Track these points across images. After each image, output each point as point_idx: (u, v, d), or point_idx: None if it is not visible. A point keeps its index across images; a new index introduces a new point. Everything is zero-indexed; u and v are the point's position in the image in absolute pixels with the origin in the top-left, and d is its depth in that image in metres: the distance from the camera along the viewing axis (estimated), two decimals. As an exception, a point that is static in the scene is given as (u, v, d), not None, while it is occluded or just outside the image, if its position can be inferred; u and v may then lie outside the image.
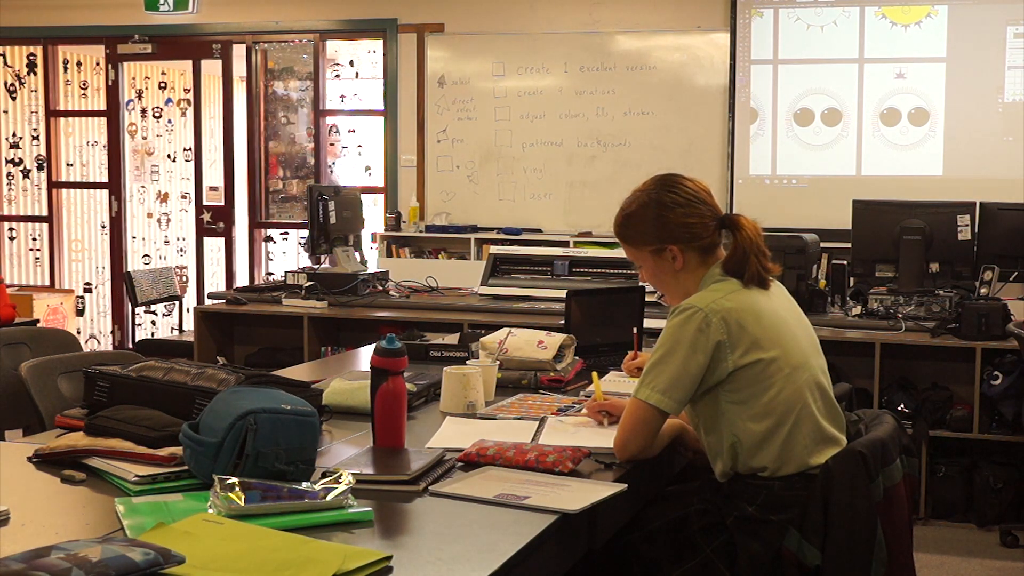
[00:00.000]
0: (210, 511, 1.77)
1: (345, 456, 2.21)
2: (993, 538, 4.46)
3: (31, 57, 8.58)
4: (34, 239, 8.79)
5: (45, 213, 8.63)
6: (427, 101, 7.68)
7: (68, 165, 8.69)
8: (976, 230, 4.85)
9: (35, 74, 8.57)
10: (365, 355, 3.58)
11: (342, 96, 8.20)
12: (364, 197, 6.13)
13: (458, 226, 7.53)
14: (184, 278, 8.65)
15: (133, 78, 8.57)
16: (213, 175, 8.39)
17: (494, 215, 7.59)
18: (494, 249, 5.73)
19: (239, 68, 8.17)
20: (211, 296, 6.97)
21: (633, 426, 2.21)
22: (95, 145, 8.71)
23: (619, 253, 4.95)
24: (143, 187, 8.74)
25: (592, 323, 3.45)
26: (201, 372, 2.34)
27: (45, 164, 8.60)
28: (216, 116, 8.46)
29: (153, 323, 8.85)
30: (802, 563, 2.10)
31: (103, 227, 8.61)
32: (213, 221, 8.22)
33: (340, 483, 1.84)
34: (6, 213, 8.78)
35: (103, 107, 8.49)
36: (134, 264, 8.60)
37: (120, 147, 8.42)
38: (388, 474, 2.03)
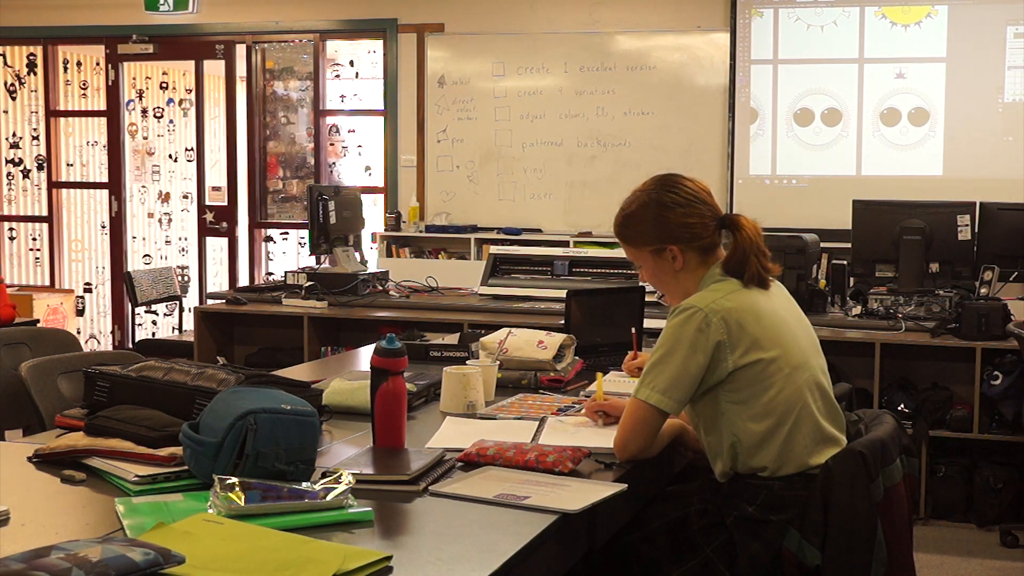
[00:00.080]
0: (210, 511, 1.77)
1: (345, 456, 2.21)
2: (993, 538, 4.46)
3: (31, 57, 8.58)
4: (34, 239, 8.80)
5: (45, 213, 8.64)
6: (427, 101, 7.68)
7: (68, 165, 8.69)
8: (976, 230, 4.85)
9: (35, 74, 8.57)
10: (365, 355, 3.58)
11: (342, 96, 8.20)
12: (364, 197, 6.13)
13: (458, 226, 7.54)
14: (186, 278, 8.65)
15: (134, 78, 8.58)
16: (215, 175, 8.40)
17: (494, 215, 7.59)
18: (494, 249, 5.73)
19: (239, 68, 8.17)
20: (211, 296, 6.97)
21: (633, 426, 2.22)
22: (95, 145, 8.71)
23: (619, 253, 4.95)
24: (144, 187, 8.74)
25: (592, 323, 3.45)
26: (201, 372, 2.34)
27: (45, 164, 8.60)
28: (218, 116, 8.46)
29: (154, 323, 8.85)
30: (802, 563, 2.10)
31: (103, 227, 8.61)
32: (216, 221, 8.22)
33: (340, 483, 1.84)
34: (6, 213, 8.78)
35: (103, 107, 8.49)
36: (134, 264, 8.60)
37: (120, 147, 8.42)
38: (388, 474, 2.03)
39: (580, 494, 1.96)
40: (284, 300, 5.27)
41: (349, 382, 2.73)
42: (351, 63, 8.17)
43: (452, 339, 3.74)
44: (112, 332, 8.49)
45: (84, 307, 8.80)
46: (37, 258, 8.81)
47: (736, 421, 2.21)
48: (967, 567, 4.16)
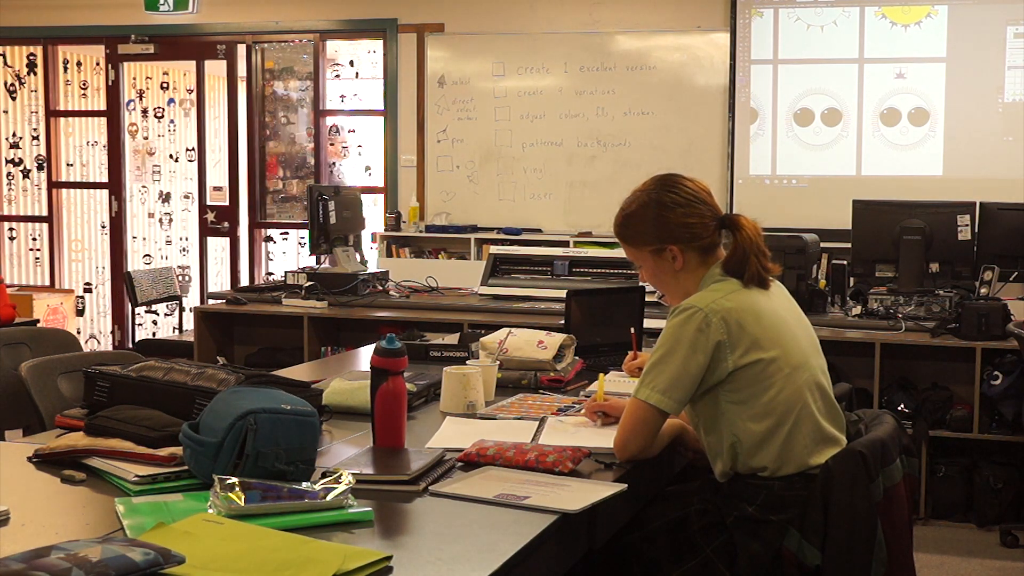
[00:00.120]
0: (210, 511, 1.77)
1: (345, 456, 2.21)
2: (993, 538, 4.46)
3: (31, 57, 8.58)
4: (34, 239, 8.80)
5: (45, 213, 8.64)
6: (427, 101, 7.69)
7: (68, 165, 8.69)
8: (976, 230, 4.85)
9: (35, 74, 8.57)
10: (365, 355, 3.58)
11: (342, 96, 8.20)
12: (364, 197, 6.13)
13: (458, 226, 7.54)
14: (187, 278, 8.65)
15: (134, 78, 8.57)
16: (216, 175, 8.39)
17: (494, 215, 7.59)
18: (494, 249, 5.73)
19: (239, 68, 8.17)
20: (211, 296, 6.97)
21: (633, 426, 2.22)
22: (95, 145, 8.71)
23: (619, 253, 4.95)
24: (144, 187, 8.74)
25: (592, 323, 3.45)
26: (201, 372, 2.34)
27: (45, 164, 8.60)
28: (220, 116, 8.46)
29: (154, 323, 8.85)
30: (802, 563, 2.10)
31: (103, 227, 8.61)
32: (218, 221, 8.22)
33: (340, 483, 1.84)
34: (6, 213, 8.78)
35: (103, 107, 8.49)
36: (135, 264, 8.60)
37: (120, 147, 8.42)
38: (388, 474, 2.03)
39: (580, 494, 1.96)
40: (284, 300, 5.27)
41: (349, 382, 2.73)
42: (351, 63, 8.17)
43: (452, 339, 3.74)
44: (112, 332, 8.50)
45: (84, 307, 8.80)
46: (37, 258, 8.81)
47: (736, 421, 2.21)
48: (967, 567, 4.16)
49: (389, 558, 1.60)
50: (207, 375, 2.33)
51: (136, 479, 1.98)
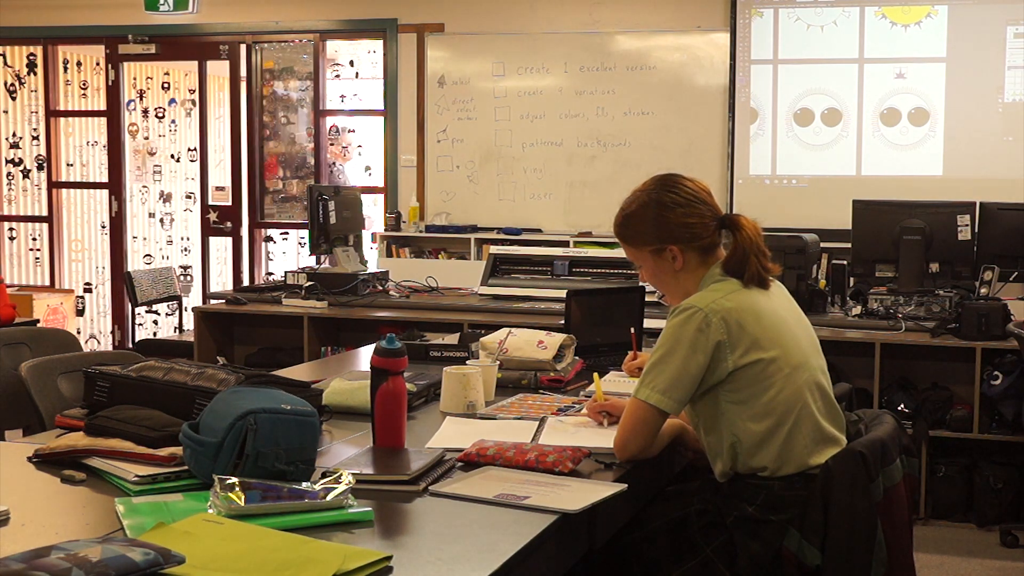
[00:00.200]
0: (210, 511, 1.77)
1: (345, 456, 2.21)
2: (993, 538, 4.46)
3: (31, 57, 8.58)
4: (34, 239, 8.80)
5: (45, 213, 8.64)
6: (427, 101, 7.69)
7: (68, 165, 8.69)
8: (976, 230, 4.85)
9: (35, 74, 8.57)
10: (365, 355, 3.58)
11: (342, 96, 8.20)
12: (364, 197, 6.13)
13: (458, 226, 7.54)
14: (189, 278, 8.65)
15: (134, 78, 8.57)
16: (218, 175, 8.39)
17: (494, 215, 7.59)
18: (494, 249, 5.73)
19: (241, 68, 8.16)
20: (212, 296, 6.97)
21: (633, 426, 2.22)
22: (95, 145, 8.71)
23: (619, 253, 4.95)
24: (144, 187, 8.74)
25: (592, 323, 3.45)
26: (201, 372, 2.34)
27: (45, 164, 8.60)
28: (222, 116, 8.46)
29: (155, 323, 8.85)
30: (802, 563, 2.10)
31: (103, 227, 8.61)
32: (220, 221, 8.22)
33: (340, 483, 1.84)
34: (6, 213, 8.78)
35: (103, 107, 8.49)
36: (135, 264, 8.60)
37: (120, 147, 8.42)
38: (388, 474, 2.03)
39: (580, 494, 1.96)
40: (284, 300, 5.27)
41: (349, 382, 2.73)
42: (351, 63, 8.18)
43: (452, 339, 3.74)
44: (112, 332, 8.50)
45: (84, 307, 8.80)
46: (37, 258, 8.81)
47: (736, 421, 2.21)
48: (967, 567, 4.16)
49: (389, 558, 1.60)
50: (207, 375, 2.33)
51: (136, 479, 1.98)
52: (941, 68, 6.87)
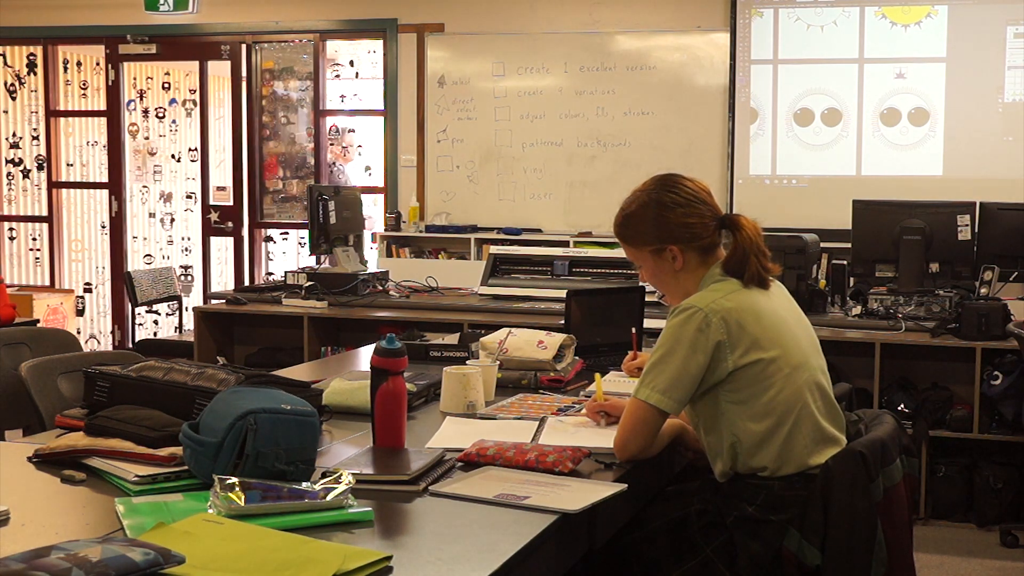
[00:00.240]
0: (210, 511, 1.77)
1: (345, 456, 2.21)
2: (993, 538, 4.46)
3: (31, 57, 8.58)
4: (34, 239, 8.80)
5: (45, 213, 8.64)
6: (427, 101, 7.69)
7: (68, 165, 8.69)
8: (976, 230, 4.85)
9: (35, 74, 8.57)
10: (365, 355, 3.58)
11: (342, 96, 8.20)
12: (364, 197, 6.13)
13: (458, 226, 7.54)
14: (190, 278, 8.65)
15: (134, 78, 8.57)
16: (219, 175, 8.39)
17: (494, 215, 7.59)
18: (494, 249, 5.73)
19: (242, 68, 8.16)
20: (212, 296, 6.97)
21: (633, 426, 2.22)
22: (95, 145, 8.71)
23: (619, 253, 4.95)
24: (145, 187, 8.74)
25: (592, 323, 3.45)
26: (201, 372, 2.34)
27: (45, 164, 8.60)
28: (224, 116, 8.45)
29: (156, 323, 8.85)
30: (802, 563, 2.10)
31: (103, 227, 8.61)
32: (221, 221, 8.22)
33: (340, 483, 1.84)
34: (6, 213, 8.78)
35: (103, 107, 8.49)
36: (135, 264, 8.60)
37: (120, 147, 8.42)
38: (388, 474, 2.03)
39: (580, 494, 1.96)
40: (284, 300, 5.27)
41: (349, 382, 2.73)
42: (351, 63, 8.18)
43: (452, 339, 3.74)
44: (112, 332, 8.50)
45: (84, 307, 8.80)
46: (37, 258, 8.81)
47: (736, 421, 2.21)
48: (967, 567, 4.16)
49: (389, 558, 1.60)
50: (207, 375, 2.33)
51: (136, 479, 1.98)
52: (941, 68, 6.87)
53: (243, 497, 1.76)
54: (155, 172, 8.76)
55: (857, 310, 4.80)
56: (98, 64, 8.62)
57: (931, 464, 4.62)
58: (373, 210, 8.10)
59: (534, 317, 4.79)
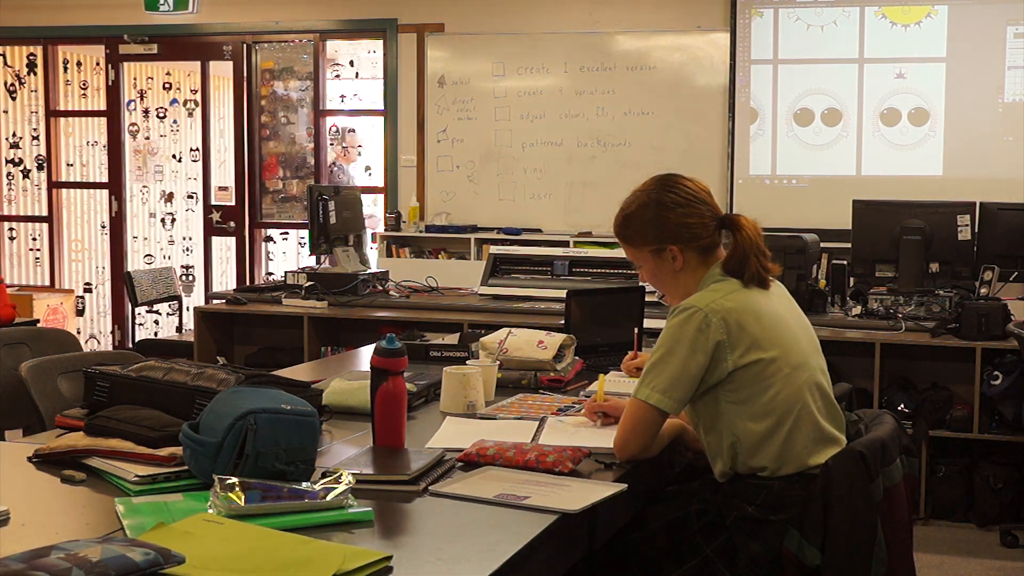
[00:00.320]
0: (210, 511, 1.77)
1: (345, 456, 2.21)
2: (993, 538, 4.46)
3: (31, 57, 8.58)
4: (34, 239, 8.80)
5: (45, 213, 8.64)
6: (427, 101, 7.68)
7: (68, 165, 8.69)
8: (976, 230, 4.85)
9: (35, 74, 8.57)
10: (365, 355, 3.58)
11: (342, 96, 8.20)
12: (364, 197, 6.13)
13: (458, 226, 7.54)
14: (191, 278, 8.65)
15: (135, 78, 8.57)
16: (220, 175, 8.39)
17: (494, 215, 7.59)
18: (494, 249, 5.73)
19: (242, 68, 8.16)
20: (212, 296, 6.97)
21: (633, 426, 2.22)
22: (95, 145, 8.71)
23: (619, 253, 4.95)
24: (145, 187, 8.73)
25: (592, 323, 3.46)
26: (201, 372, 2.34)
27: (45, 164, 8.60)
28: (226, 117, 8.45)
29: (156, 323, 8.85)
30: (802, 563, 2.10)
31: (103, 227, 8.61)
32: (223, 220, 8.22)
33: (340, 483, 1.84)
34: (6, 213, 8.78)
35: (103, 107, 8.49)
36: (135, 264, 8.60)
37: (120, 147, 8.42)
38: (388, 474, 2.03)
39: (580, 494, 1.96)
40: (284, 300, 5.27)
41: (349, 382, 2.73)
42: (351, 63, 8.18)
43: (452, 339, 3.74)
44: (112, 332, 8.50)
45: (84, 307, 8.80)
46: (37, 258, 8.81)
47: (736, 421, 2.21)
48: (967, 567, 4.16)
49: (389, 558, 1.60)
50: (207, 375, 2.33)
51: (136, 479, 1.98)
52: (941, 68, 6.87)
53: (243, 497, 1.76)
54: (156, 172, 8.76)
55: (857, 310, 4.80)
56: (98, 64, 8.61)
57: (931, 464, 4.62)
58: (373, 210, 8.10)
59: (534, 317, 4.79)
